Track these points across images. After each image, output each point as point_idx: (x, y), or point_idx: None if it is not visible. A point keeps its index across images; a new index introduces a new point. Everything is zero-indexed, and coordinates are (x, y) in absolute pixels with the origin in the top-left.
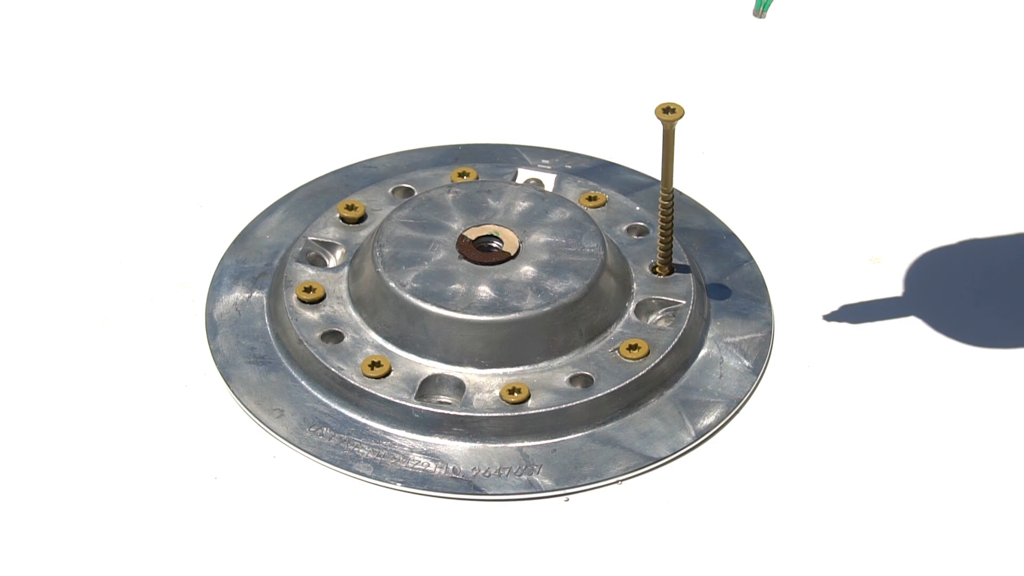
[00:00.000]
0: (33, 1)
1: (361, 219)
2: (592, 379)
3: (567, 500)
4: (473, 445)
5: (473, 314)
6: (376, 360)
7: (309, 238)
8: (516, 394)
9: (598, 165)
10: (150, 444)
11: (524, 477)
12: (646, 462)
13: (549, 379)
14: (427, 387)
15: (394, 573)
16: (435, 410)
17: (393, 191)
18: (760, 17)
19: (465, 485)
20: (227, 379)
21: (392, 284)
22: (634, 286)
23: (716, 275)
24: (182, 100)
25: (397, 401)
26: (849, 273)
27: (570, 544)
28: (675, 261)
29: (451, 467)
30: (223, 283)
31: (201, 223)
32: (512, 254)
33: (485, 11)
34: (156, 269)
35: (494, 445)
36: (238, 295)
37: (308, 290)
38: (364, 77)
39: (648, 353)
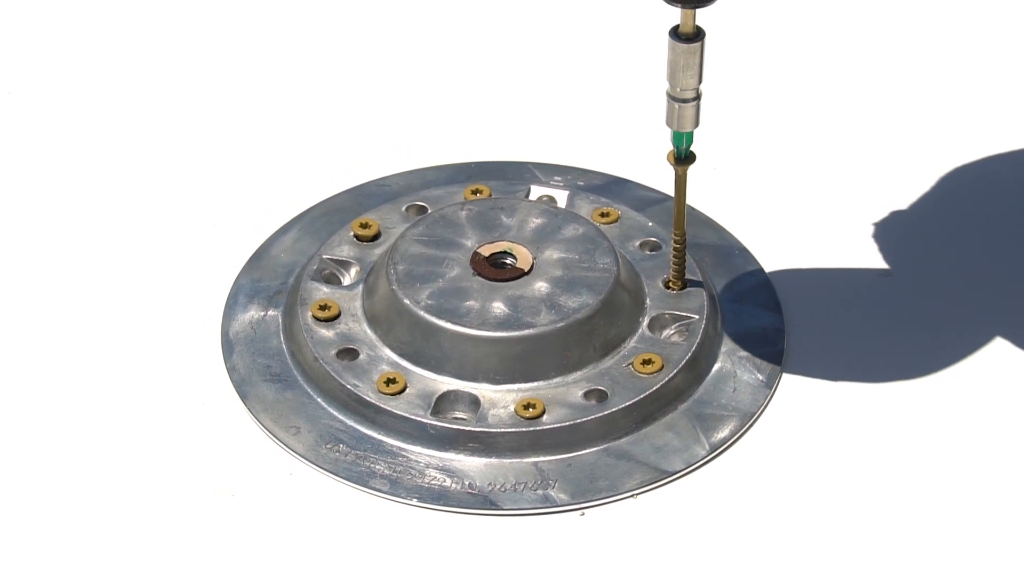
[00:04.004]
0: (50, 23)
1: (375, 237)
2: (607, 394)
3: (583, 514)
4: (489, 460)
5: (487, 330)
6: (391, 377)
7: (324, 256)
8: (531, 409)
9: (610, 182)
10: (168, 463)
11: (540, 492)
12: (661, 476)
13: (564, 394)
14: (442, 403)
15: None
16: (450, 426)
17: (407, 209)
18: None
19: (481, 500)
20: (243, 397)
21: (407, 301)
22: (647, 301)
23: (728, 290)
24: (197, 120)
25: (413, 417)
26: (861, 287)
27: (586, 559)
28: (688, 276)
29: (467, 483)
30: (238, 302)
31: (216, 242)
32: (526, 270)
33: (497, 29)
34: (172, 288)
35: (510, 460)
36: (253, 313)
37: (323, 308)
38: (377, 96)
39: (662, 368)
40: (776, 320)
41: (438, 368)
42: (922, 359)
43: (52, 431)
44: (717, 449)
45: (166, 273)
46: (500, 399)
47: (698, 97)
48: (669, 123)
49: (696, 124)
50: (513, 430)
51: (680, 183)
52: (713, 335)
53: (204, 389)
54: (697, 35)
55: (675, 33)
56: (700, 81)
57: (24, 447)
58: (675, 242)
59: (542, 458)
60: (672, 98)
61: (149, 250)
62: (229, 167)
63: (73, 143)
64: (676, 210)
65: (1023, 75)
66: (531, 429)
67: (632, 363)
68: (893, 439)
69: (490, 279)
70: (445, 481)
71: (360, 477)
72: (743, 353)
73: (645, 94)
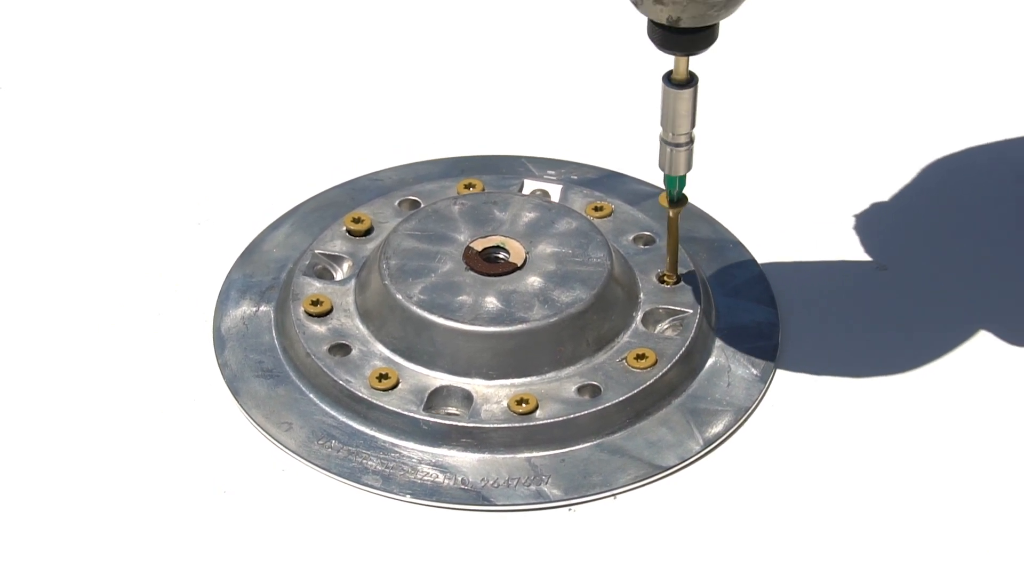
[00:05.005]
0: (41, 19)
1: (368, 232)
2: (600, 389)
3: (571, 510)
4: (482, 456)
5: (480, 325)
6: (384, 372)
7: (316, 251)
8: (524, 405)
9: (604, 175)
10: (159, 459)
11: (533, 487)
12: (655, 471)
13: (557, 389)
14: (435, 399)
15: None
16: (443, 422)
17: (399, 203)
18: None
19: (474, 496)
20: (235, 393)
21: (399, 296)
22: (641, 296)
23: (723, 284)
24: (188, 114)
25: (405, 413)
26: (856, 281)
27: (580, 554)
28: (682, 270)
29: (460, 478)
30: (230, 297)
31: (208, 238)
32: (519, 265)
33: (490, 23)
34: (164, 284)
35: (503, 456)
36: (245, 309)
37: (315, 303)
38: (370, 90)
39: (656, 362)
40: (770, 314)
41: (431, 363)
42: (916, 353)
43: (44, 427)
44: (711, 444)
45: (160, 270)
46: (493, 394)
47: (691, 141)
48: (661, 166)
49: (689, 168)
50: (506, 425)
51: (672, 226)
52: (707, 330)
53: (196, 385)
54: (690, 81)
55: (668, 79)
56: (693, 126)
57: (16, 443)
58: (667, 280)
59: (535, 453)
60: (665, 142)
61: (141, 246)
62: (221, 162)
63: (66, 139)
64: (669, 252)
65: (1014, 69)
66: (524, 424)
67: (625, 358)
68: (887, 433)
69: (483, 274)
70: (438, 477)
71: (352, 473)
72: (737, 347)
73: (639, 88)
